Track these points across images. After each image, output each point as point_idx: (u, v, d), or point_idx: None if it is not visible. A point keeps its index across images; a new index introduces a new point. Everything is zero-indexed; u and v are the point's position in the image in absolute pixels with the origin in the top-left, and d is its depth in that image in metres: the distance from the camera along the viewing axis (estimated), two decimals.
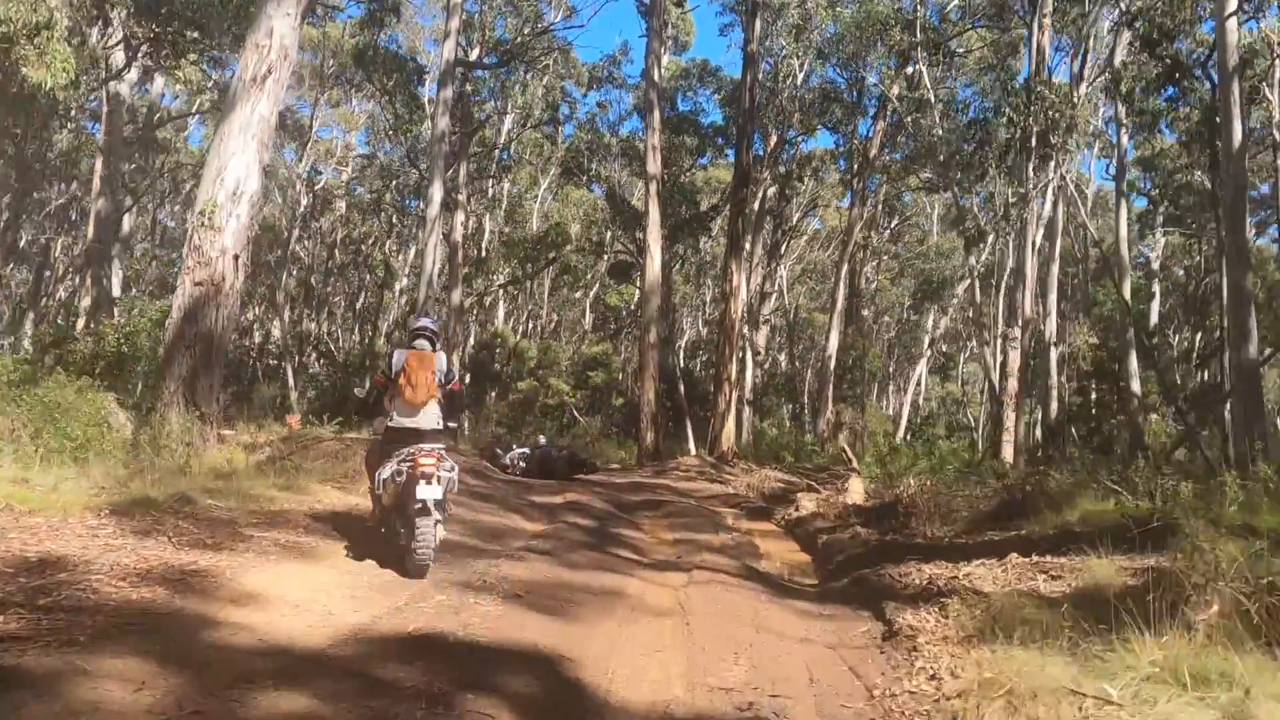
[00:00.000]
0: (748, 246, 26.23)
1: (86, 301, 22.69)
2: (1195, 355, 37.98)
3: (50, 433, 10.39)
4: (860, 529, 9.49)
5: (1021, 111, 14.35)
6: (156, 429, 11.85)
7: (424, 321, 8.29)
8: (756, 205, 27.60)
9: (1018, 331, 16.95)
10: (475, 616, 5.49)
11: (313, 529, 7.51)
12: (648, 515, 12.54)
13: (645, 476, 17.83)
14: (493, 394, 32.32)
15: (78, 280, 32.67)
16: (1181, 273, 40.90)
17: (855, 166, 35.74)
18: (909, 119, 27.60)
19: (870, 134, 30.71)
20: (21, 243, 39.10)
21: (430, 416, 7.58)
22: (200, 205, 12.67)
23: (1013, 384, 16.86)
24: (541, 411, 32.49)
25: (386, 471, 7.13)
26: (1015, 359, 16.97)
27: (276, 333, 35.61)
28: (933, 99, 24.61)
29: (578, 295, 42.42)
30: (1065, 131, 15.89)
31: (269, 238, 40.99)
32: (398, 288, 37.76)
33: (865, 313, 43.64)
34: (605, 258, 39.35)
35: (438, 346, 8.01)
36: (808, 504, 13.10)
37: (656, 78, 21.26)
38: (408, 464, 7.00)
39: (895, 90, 28.50)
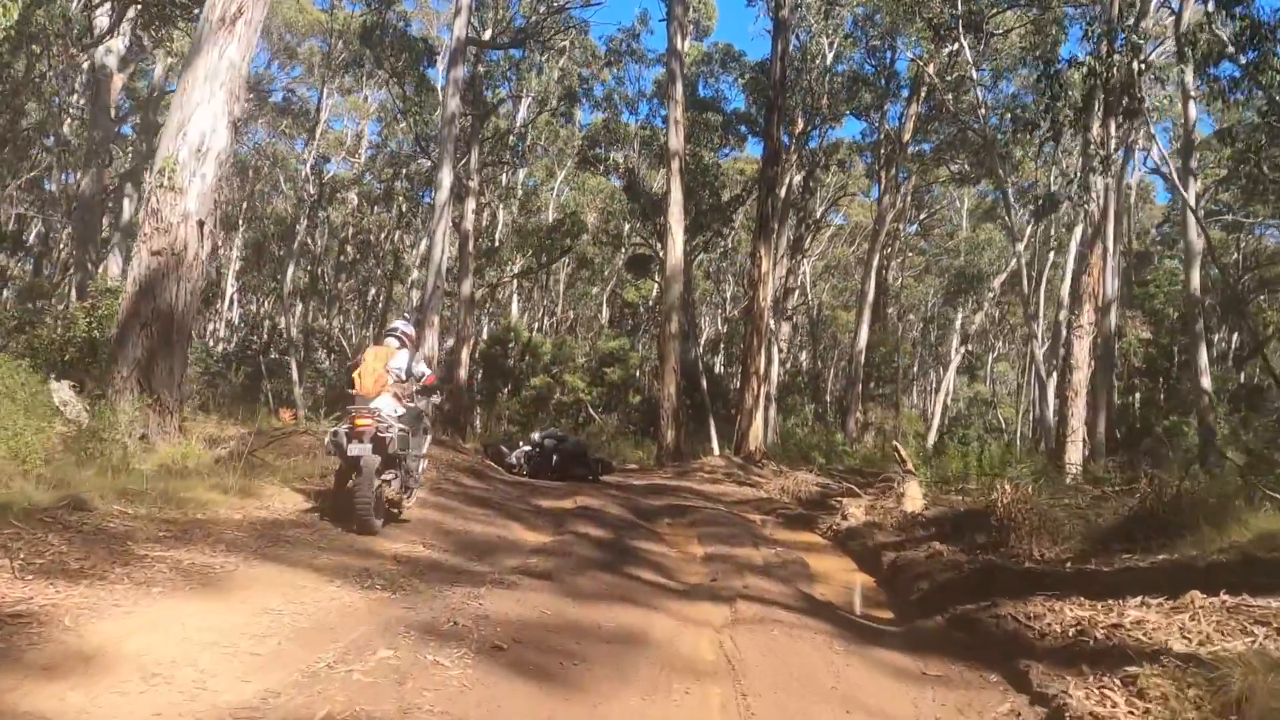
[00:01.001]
0: (776, 229, 24.28)
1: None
2: (1232, 356, 35.81)
3: None
4: (938, 545, 7.55)
5: (1104, 60, 12.39)
6: (103, 418, 10.08)
7: (396, 323, 8.42)
8: (781, 194, 25.64)
9: (1086, 317, 14.92)
10: (428, 688, 3.61)
11: (238, 545, 5.65)
12: (672, 524, 10.64)
13: (666, 478, 15.92)
14: (505, 390, 30.50)
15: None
16: (1216, 271, 38.64)
17: (883, 154, 33.74)
18: (949, 96, 25.53)
19: (903, 119, 28.67)
20: (30, 236, 37.73)
21: (384, 407, 7.47)
22: (159, 163, 10.89)
23: (1079, 377, 14.84)
24: (556, 409, 30.64)
25: (329, 436, 7.29)
26: (1082, 349, 14.96)
27: (285, 327, 33.91)
28: (974, 74, 22.57)
29: (594, 290, 40.54)
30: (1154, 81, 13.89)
31: (278, 230, 39.48)
32: (409, 280, 36.02)
33: (889, 310, 41.61)
34: (623, 251, 37.49)
35: (405, 346, 8.11)
36: (856, 512, 11.15)
37: (679, 46, 19.39)
38: (345, 427, 7.10)
39: (932, 68, 26.44)
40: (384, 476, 7.20)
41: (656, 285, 39.33)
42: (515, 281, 35.16)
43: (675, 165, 18.83)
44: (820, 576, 7.85)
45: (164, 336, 10.68)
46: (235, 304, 44.17)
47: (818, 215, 38.36)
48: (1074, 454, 14.45)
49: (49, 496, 5.84)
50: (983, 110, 22.78)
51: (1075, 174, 16.81)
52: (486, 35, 27.92)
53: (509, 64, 30.67)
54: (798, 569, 7.96)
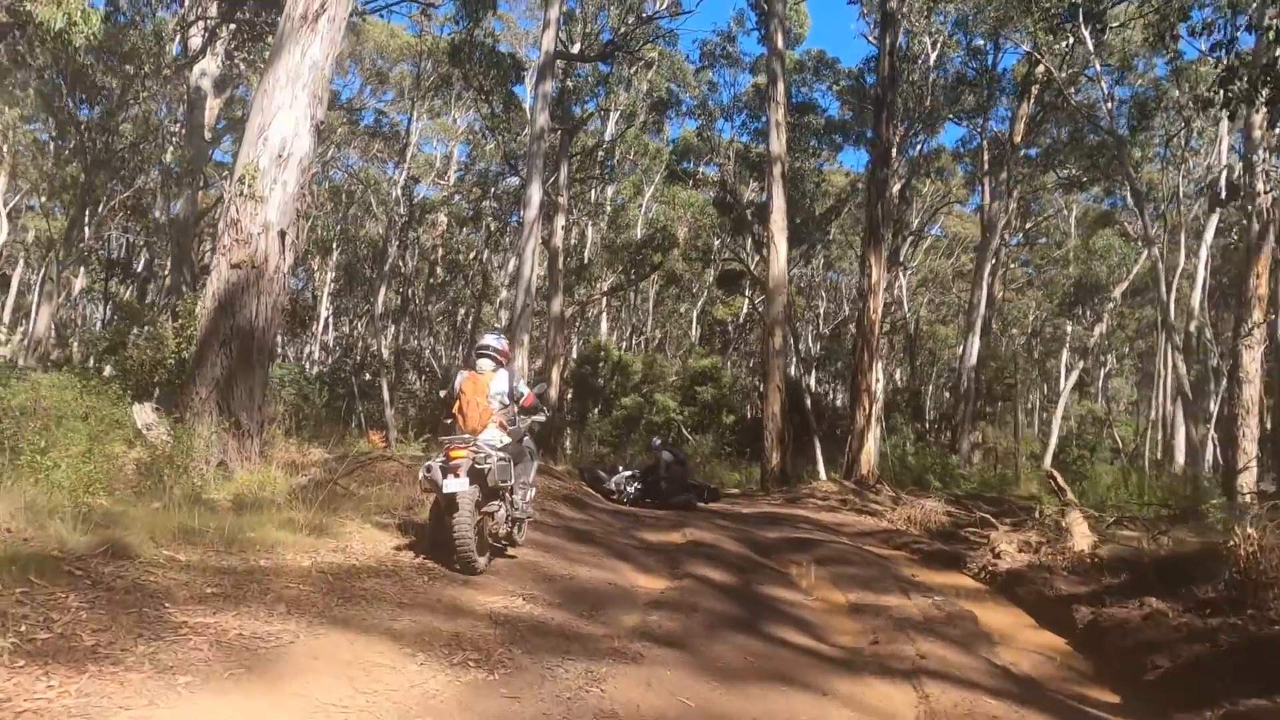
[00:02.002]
0: (888, 236, 22.62)
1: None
2: None
3: (29, 448, 7.82)
4: (1154, 602, 6.00)
5: None
6: (179, 444, 9.29)
7: (486, 339, 7.37)
8: (891, 198, 23.96)
9: (1257, 324, 12.97)
10: None
11: (302, 603, 4.55)
12: (797, 562, 9.24)
13: (776, 505, 14.49)
14: (595, 410, 29.45)
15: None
16: None
17: (986, 160, 31.70)
18: (1070, 90, 23.52)
19: (1011, 120, 26.66)
20: (139, 265, 38.58)
21: (488, 439, 6.53)
22: (239, 171, 10.13)
23: (1251, 393, 12.88)
24: (647, 429, 29.40)
25: (421, 470, 6.34)
26: (1253, 361, 13.00)
27: (378, 350, 33.65)
28: (1097, 67, 20.65)
29: (683, 308, 39.31)
30: None
31: (369, 253, 39.51)
32: (498, 300, 35.45)
33: (993, 325, 39.17)
34: (712, 267, 36.21)
35: (501, 365, 7.10)
36: (1007, 548, 9.57)
37: (780, 44, 18.11)
38: (440, 459, 6.19)
39: (1042, 67, 24.48)
40: (486, 509, 6.27)
41: (747, 301, 37.93)
42: (604, 300, 34.24)
43: (777, 171, 17.51)
44: (998, 636, 6.37)
45: (243, 355, 9.87)
46: (330, 327, 44.49)
47: (914, 225, 36.48)
48: (1245, 479, 12.49)
49: (88, 540, 4.84)
50: (1108, 104, 20.79)
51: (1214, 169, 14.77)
52: (575, 49, 27.16)
53: (596, 79, 29.88)
54: (969, 627, 6.50)
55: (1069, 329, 39.21)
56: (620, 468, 13.74)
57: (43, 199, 33.75)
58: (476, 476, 6.02)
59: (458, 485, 5.89)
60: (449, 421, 6.69)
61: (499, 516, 6.29)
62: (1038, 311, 43.68)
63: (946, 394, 46.49)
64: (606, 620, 5.49)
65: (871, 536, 11.86)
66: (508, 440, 6.56)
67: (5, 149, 29.64)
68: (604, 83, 29.60)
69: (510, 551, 7.01)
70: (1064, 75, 24.98)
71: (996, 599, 7.95)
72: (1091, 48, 20.45)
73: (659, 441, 13.58)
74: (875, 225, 17.55)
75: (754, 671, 4.63)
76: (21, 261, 38.28)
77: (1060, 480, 10.47)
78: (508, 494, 6.39)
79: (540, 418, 7.10)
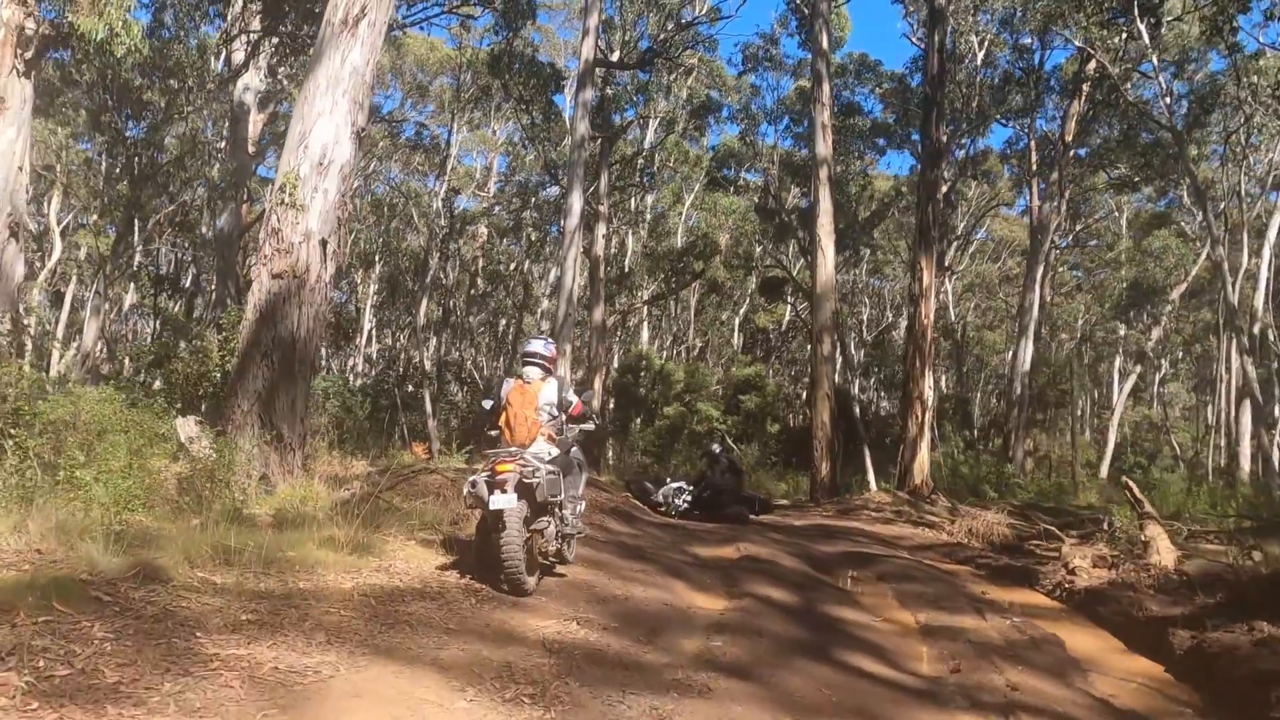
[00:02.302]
0: (938, 238, 21.95)
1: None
2: None
3: (67, 463, 7.63)
4: (1266, 626, 5.46)
5: None
6: (220, 457, 9.06)
7: (533, 345, 6.90)
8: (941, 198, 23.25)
9: None
10: None
11: (344, 631, 4.22)
12: (858, 579, 8.77)
13: (828, 517, 13.98)
14: (637, 420, 29.08)
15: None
16: None
17: (1034, 161, 30.84)
18: (1126, 85, 22.71)
19: (1063, 119, 25.85)
20: (188, 281, 39.04)
21: (535, 452, 6.17)
22: (279, 179, 9.94)
23: None
24: (689, 439, 28.95)
25: (466, 486, 5.95)
26: None
27: (420, 361, 33.61)
28: (1155, 60, 19.87)
29: (724, 316, 38.84)
30: None
31: (411, 265, 39.60)
32: (539, 310, 35.29)
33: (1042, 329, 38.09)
34: (754, 274, 35.72)
35: (549, 373, 6.73)
36: (1081, 564, 9.00)
37: (824, 45, 17.63)
38: (485, 474, 5.85)
39: (1093, 64, 23.72)
40: (535, 526, 5.93)
41: (789, 308, 37.35)
42: (645, 309, 33.89)
43: (823, 174, 17.03)
44: (1088, 663, 5.86)
45: (285, 367, 9.65)
46: (373, 339, 44.70)
47: (959, 229, 35.69)
48: None
49: (120, 562, 4.57)
50: (1166, 99, 20.00)
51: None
52: (614, 57, 26.93)
53: (635, 87, 29.61)
54: (1057, 653, 6.00)
55: (1121, 333, 38.04)
56: (668, 479, 13.34)
57: (94, 217, 34.35)
58: (524, 492, 5.68)
59: (505, 501, 5.55)
60: (494, 434, 6.37)
61: (548, 533, 5.94)
62: (1087, 315, 42.49)
63: (994, 401, 45.43)
64: (667, 646, 5.09)
65: (931, 550, 11.33)
66: (556, 452, 6.21)
67: (58, 168, 30.19)
68: (643, 90, 29.33)
69: (560, 569, 6.66)
70: (1118, 71, 24.20)
71: (1076, 619, 7.40)
72: (1148, 41, 19.70)
73: (719, 448, 13.10)
74: (926, 228, 16.98)
75: (832, 707, 4.20)
76: (74, 278, 38.98)
77: (1136, 490, 9.83)
78: (557, 509, 6.04)
79: (589, 426, 6.73)
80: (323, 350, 47.10)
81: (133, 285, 36.51)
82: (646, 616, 5.82)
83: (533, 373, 6.51)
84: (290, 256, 9.68)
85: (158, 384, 14.42)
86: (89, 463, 7.38)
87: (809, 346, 43.40)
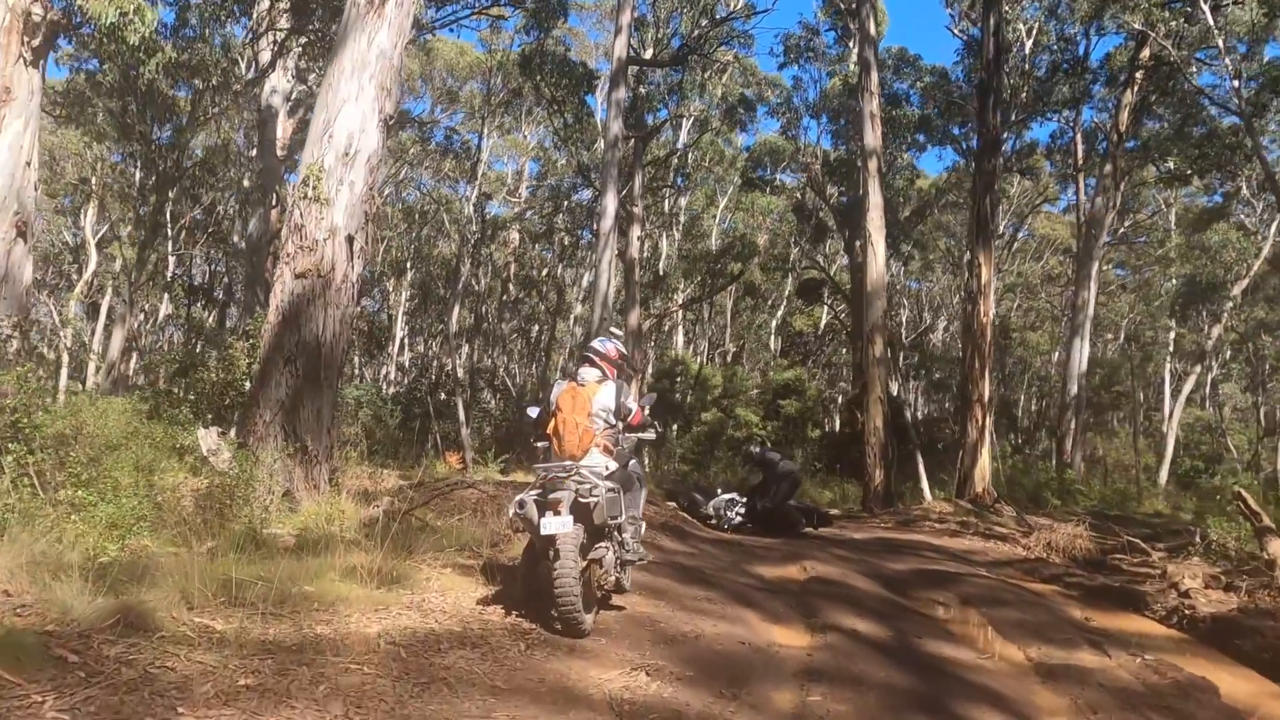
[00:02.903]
0: (997, 230, 20.81)
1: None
2: None
3: (70, 479, 6.89)
4: None
5: None
6: (243, 472, 8.33)
7: (595, 344, 6.06)
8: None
9: None
10: None
11: (365, 694, 3.37)
12: (942, 602, 7.81)
13: (888, 530, 12.96)
14: (674, 427, 28.15)
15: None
16: None
17: (1080, 154, 29.56)
18: (1192, 69, 21.48)
19: (1117, 108, 24.58)
20: (219, 291, 38.74)
21: (591, 466, 5.30)
22: (303, 171, 9.19)
23: None
24: (728, 445, 27.98)
25: (513, 507, 5.02)
26: None
27: (453, 369, 32.94)
28: (1221, 43, 18.67)
29: (761, 319, 37.81)
30: None
31: (443, 272, 39.02)
32: (572, 316, 34.52)
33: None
34: (790, 276, 34.69)
35: (609, 375, 5.83)
36: (1192, 584, 7.98)
37: (872, 31, 16.68)
38: (535, 493, 5.00)
39: (1146, 53, 22.52)
40: (592, 555, 5.08)
41: (827, 310, 36.27)
42: (680, 313, 33.00)
43: (872, 165, 16.04)
44: (1251, 714, 4.85)
45: (310, 374, 8.88)
46: (406, 348, 44.19)
47: (1001, 228, 34.40)
48: None
49: (100, 605, 3.75)
50: (1235, 82, 18.75)
51: None
52: (647, 55, 26.11)
53: (668, 87, 28.75)
54: (1211, 700, 5.00)
55: (1171, 333, 36.48)
56: (718, 489, 12.40)
57: (128, 229, 34.13)
58: (580, 513, 4.81)
59: (559, 525, 4.70)
60: (542, 445, 5.49)
61: (607, 562, 5.07)
62: (1131, 315, 40.90)
63: (1035, 403, 43.93)
64: (756, 702, 4.18)
65: (1010, 567, 10.30)
66: (613, 465, 5.34)
67: (94, 181, 29.93)
68: (676, 91, 28.47)
69: (616, 599, 5.77)
70: (1180, 54, 22.89)
71: (1210, 655, 6.37)
72: (1212, 23, 18.52)
73: (779, 455, 12.08)
74: (984, 220, 15.92)
75: None
76: (110, 290, 38.89)
77: (1252, 503, 8.75)
78: (616, 533, 5.16)
79: (649, 435, 5.84)
80: (355, 358, 46.66)
81: (166, 296, 36.29)
82: (724, 660, 4.91)
83: (589, 374, 5.63)
84: (314, 254, 8.93)
85: (185, 394, 13.75)
86: (91, 480, 6.64)
87: (848, 349, 42.32)
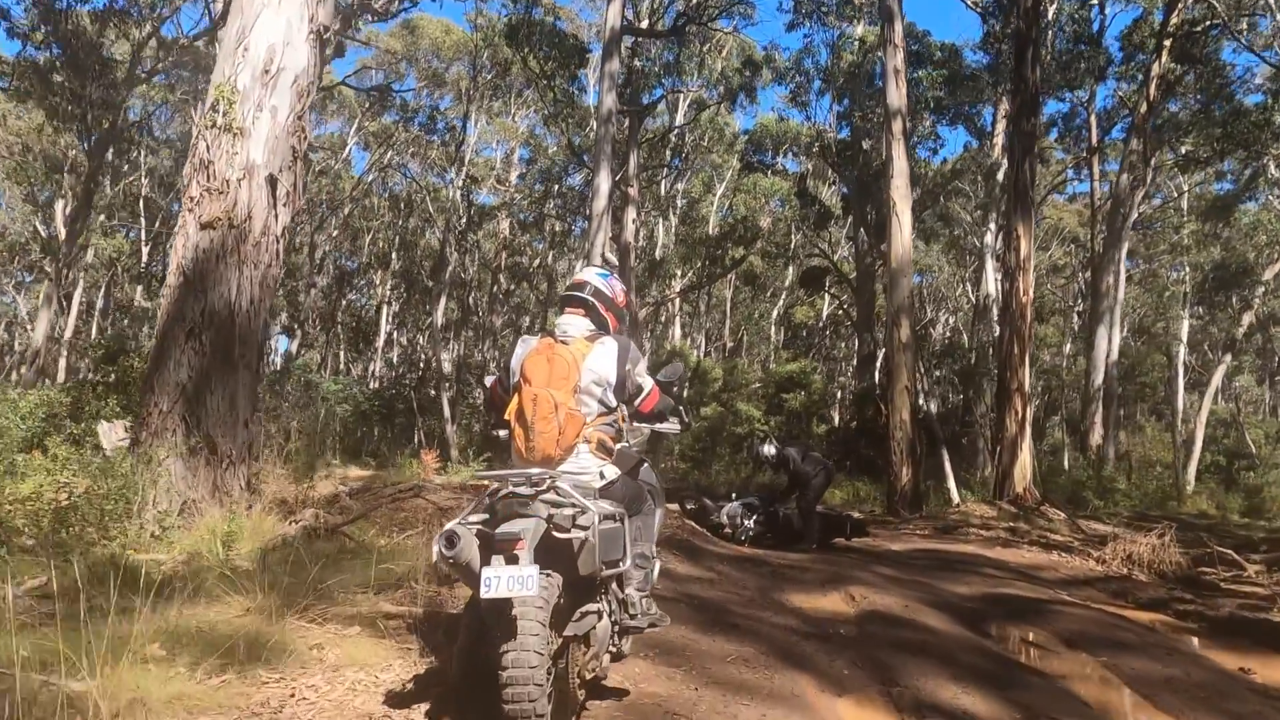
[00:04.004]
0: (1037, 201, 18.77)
1: None
2: None
3: None
4: None
5: None
6: (115, 477, 6.34)
7: (585, 275, 3.74)
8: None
9: None
10: None
11: None
12: (1043, 644, 5.83)
13: (928, 538, 10.95)
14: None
15: None
16: None
17: (1093, 138, 27.72)
18: (1240, 25, 19.51)
19: (1147, 78, 22.55)
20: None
21: (576, 473, 3.21)
22: (211, 94, 7.14)
23: None
24: (730, 442, 25.97)
25: (437, 544, 2.85)
26: None
27: (438, 363, 30.87)
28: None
29: (759, 310, 35.79)
30: None
31: (430, 263, 36.91)
32: None
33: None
34: (791, 266, 32.71)
35: (607, 328, 3.60)
36: None
37: None
38: (477, 519, 2.95)
39: (1176, 18, 20.57)
40: (572, 629, 3.03)
41: (830, 300, 34.29)
42: (677, 303, 30.97)
43: (897, 127, 14.05)
44: None
45: (220, 351, 6.86)
46: (395, 344, 42.11)
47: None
48: None
49: None
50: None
51: None
52: (643, 25, 24.10)
53: (663, 67, 26.70)
54: None
55: (1185, 323, 34.57)
56: (733, 494, 10.39)
57: (100, 217, 31.96)
58: (556, 558, 2.81)
59: (514, 583, 2.70)
60: (501, 435, 3.43)
61: (598, 637, 3.04)
62: (1138, 307, 38.99)
63: (1043, 397, 41.98)
64: None
65: (1091, 587, 8.31)
66: (614, 474, 3.34)
67: (65, 173, 27.76)
68: (671, 72, 26.42)
69: (611, 670, 3.74)
70: (1223, 7, 20.84)
71: None
72: None
73: (799, 452, 9.82)
74: (1023, 188, 13.94)
75: None
76: (82, 281, 36.69)
77: None
78: (616, 586, 3.15)
79: (671, 427, 3.82)
80: (340, 353, 44.39)
81: (141, 288, 34.15)
82: None
83: (575, 324, 3.49)
84: (225, 198, 6.90)
85: (112, 384, 11.71)
86: None
87: (848, 342, 40.36)
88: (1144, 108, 21.44)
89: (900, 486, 13.69)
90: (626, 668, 3.93)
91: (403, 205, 36.69)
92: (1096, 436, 22.34)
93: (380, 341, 39.16)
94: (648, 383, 3.50)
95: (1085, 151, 30.12)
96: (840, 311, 32.87)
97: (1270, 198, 26.09)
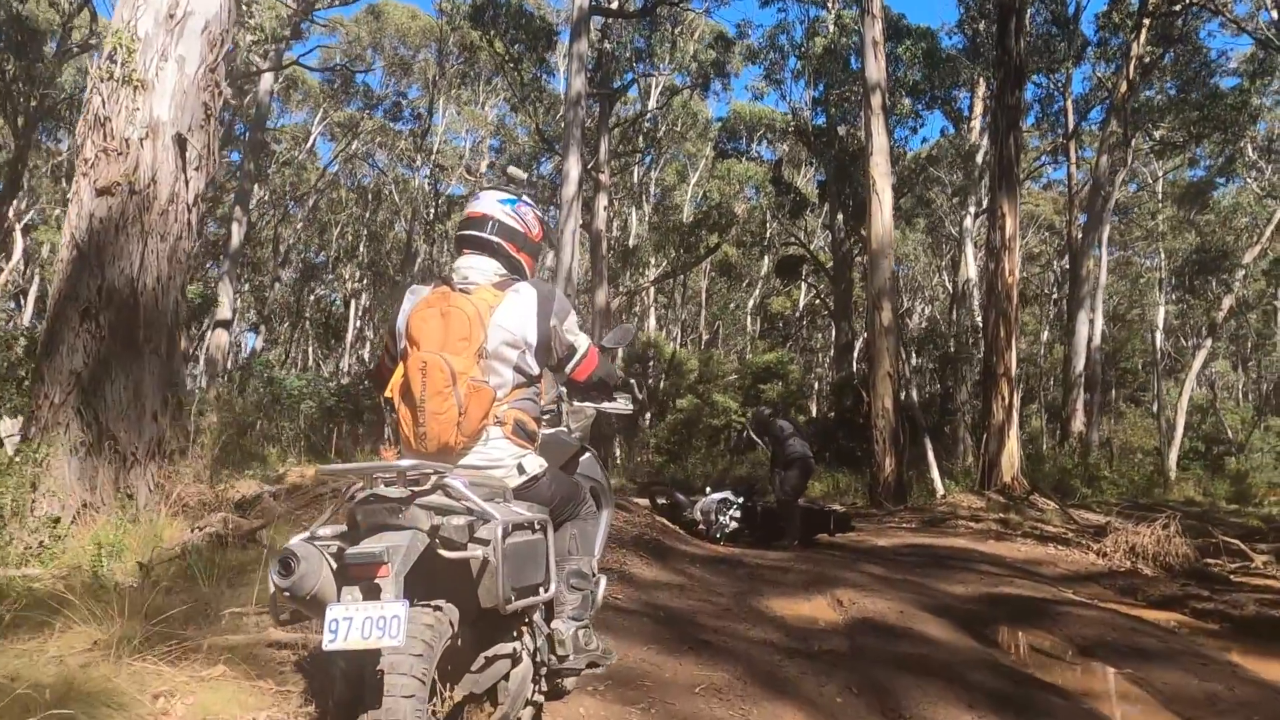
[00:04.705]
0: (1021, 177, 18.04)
1: None
2: None
3: None
4: None
5: None
6: (21, 478, 5.51)
7: (480, 202, 2.72)
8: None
9: None
10: None
11: None
12: (1056, 653, 5.13)
13: (915, 532, 10.25)
14: (649, 415, 25.37)
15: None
16: None
17: (1070, 124, 27.17)
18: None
19: (1126, 57, 21.95)
20: None
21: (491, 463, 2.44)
22: (108, 43, 6.25)
23: None
24: (706, 434, 25.23)
25: (273, 574, 2.02)
26: None
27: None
28: None
29: (735, 301, 35.07)
30: None
31: (399, 257, 35.87)
32: None
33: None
34: (767, 255, 32.03)
35: (521, 270, 2.69)
36: None
37: None
38: (331, 535, 2.13)
39: None
40: (471, 680, 2.20)
41: (806, 288, 33.64)
42: (652, 294, 30.18)
43: (876, 101, 13.32)
44: None
45: (122, 334, 5.97)
46: (365, 340, 41.01)
47: (985, 204, 31.95)
48: None
49: None
50: (1275, 10, 16.21)
51: None
52: (613, 5, 23.24)
53: (635, 53, 25.85)
54: None
55: (1161, 309, 34.27)
56: (708, 488, 9.63)
57: (57, 210, 30.64)
58: (443, 583, 2.03)
59: (371, 627, 1.88)
60: (390, 416, 2.59)
61: (510, 689, 2.25)
62: (1115, 293, 38.69)
63: (1019, 384, 41.62)
64: None
65: (1096, 583, 7.64)
66: (539, 467, 2.52)
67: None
68: (646, 54, 25.58)
69: (549, 710, 2.93)
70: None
71: None
72: None
73: (790, 426, 9.11)
74: (1007, 165, 13.25)
75: None
76: (38, 278, 35.31)
77: None
78: (533, 620, 2.35)
79: (620, 406, 2.97)
80: (309, 350, 43.19)
81: None
82: None
83: (476, 266, 2.61)
84: (125, 160, 6.00)
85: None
86: None
87: (825, 332, 39.75)
88: (1124, 88, 20.89)
89: (883, 477, 13.01)
90: (569, 708, 3.14)
91: (370, 197, 35.64)
92: (1079, 423, 21.85)
93: (350, 336, 38.08)
94: (582, 342, 2.64)
95: (1062, 137, 29.64)
96: (817, 301, 32.24)
97: (1248, 180, 25.68)
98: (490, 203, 2.69)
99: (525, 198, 2.80)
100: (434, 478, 2.10)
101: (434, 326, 2.39)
